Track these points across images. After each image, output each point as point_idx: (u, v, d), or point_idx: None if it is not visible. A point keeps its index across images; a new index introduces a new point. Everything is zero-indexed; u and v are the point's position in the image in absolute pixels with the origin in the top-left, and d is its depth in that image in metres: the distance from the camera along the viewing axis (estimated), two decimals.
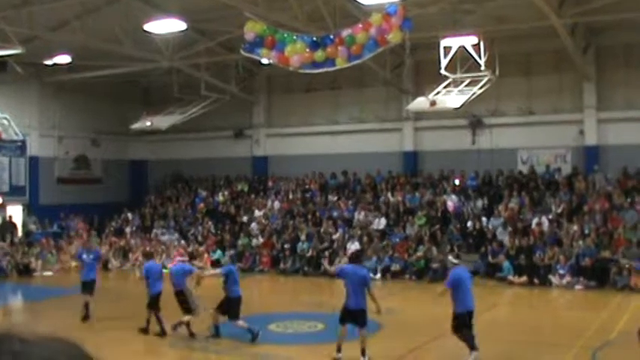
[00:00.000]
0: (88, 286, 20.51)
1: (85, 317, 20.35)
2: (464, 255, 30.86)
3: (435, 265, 30.32)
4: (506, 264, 29.33)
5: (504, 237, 31.05)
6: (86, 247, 22.90)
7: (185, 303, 18.76)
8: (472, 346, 14.89)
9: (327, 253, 31.69)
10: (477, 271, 30.09)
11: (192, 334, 18.41)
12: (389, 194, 36.08)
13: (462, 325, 15.11)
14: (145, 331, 18.77)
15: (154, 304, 18.76)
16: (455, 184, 35.46)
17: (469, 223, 32.90)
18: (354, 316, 15.56)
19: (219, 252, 34.59)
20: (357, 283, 15.55)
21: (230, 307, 18.04)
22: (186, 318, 18.61)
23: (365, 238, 32.88)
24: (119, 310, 22.84)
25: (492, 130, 35.84)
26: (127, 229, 39.29)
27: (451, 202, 34.18)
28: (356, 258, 17.36)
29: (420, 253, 31.09)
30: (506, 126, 35.65)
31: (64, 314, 21.61)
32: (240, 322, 17.98)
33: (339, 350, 15.51)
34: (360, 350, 15.39)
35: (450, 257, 17.46)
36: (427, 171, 37.34)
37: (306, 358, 16.86)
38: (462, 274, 15.52)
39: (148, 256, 20.88)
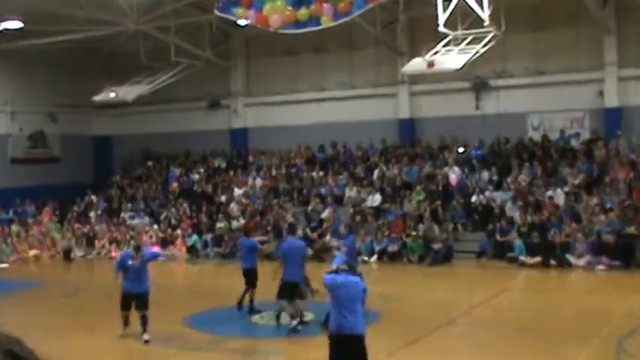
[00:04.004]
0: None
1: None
2: (469, 234, 30.69)
3: (436, 246, 30.13)
4: (517, 243, 29.08)
5: (514, 213, 30.80)
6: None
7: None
8: None
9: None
10: (483, 251, 30.04)
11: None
12: (383, 167, 35.86)
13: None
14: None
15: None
16: (458, 153, 35.31)
17: (474, 198, 32.54)
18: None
19: (195, 236, 34.38)
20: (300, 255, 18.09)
21: None
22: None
23: (358, 217, 32.60)
24: (85, 307, 22.53)
25: (499, 93, 35.47)
26: (92, 214, 38.89)
27: (453, 174, 33.97)
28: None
29: (419, 232, 30.88)
30: (514, 88, 35.23)
31: (22, 311, 21.31)
32: None
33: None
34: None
35: None
36: (426, 140, 37.10)
37: (295, 353, 16.74)
38: None
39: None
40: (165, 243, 34.61)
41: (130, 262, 17.56)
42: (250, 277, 20.24)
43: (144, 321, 17.25)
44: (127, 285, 17.59)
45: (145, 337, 17.19)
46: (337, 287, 11.77)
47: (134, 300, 17.51)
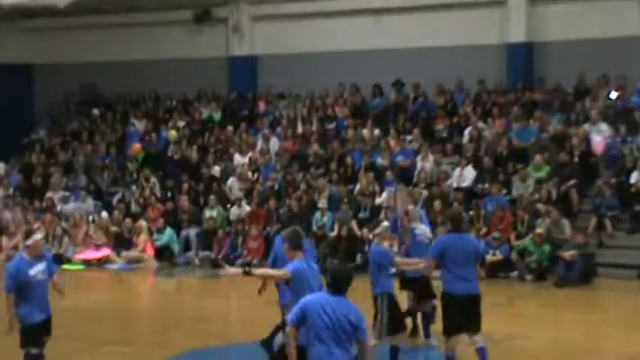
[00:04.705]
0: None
1: None
2: (625, 235, 30.99)
3: (567, 254, 29.08)
4: None
5: None
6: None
7: None
8: None
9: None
10: None
11: None
12: (480, 124, 35.83)
13: None
14: None
15: None
16: (608, 100, 34.92)
17: (635, 176, 31.72)
18: None
19: (168, 231, 34.74)
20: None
21: None
22: None
23: (437, 204, 31.48)
24: None
25: None
26: None
27: (599, 136, 33.61)
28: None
29: (539, 231, 30.14)
30: None
31: None
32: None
33: None
34: None
35: None
36: (553, 80, 36.77)
37: None
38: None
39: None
40: (120, 242, 34.50)
41: (32, 272, 15.86)
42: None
43: None
44: (33, 310, 16.08)
45: None
46: (310, 318, 11.60)
47: (45, 330, 16.53)
